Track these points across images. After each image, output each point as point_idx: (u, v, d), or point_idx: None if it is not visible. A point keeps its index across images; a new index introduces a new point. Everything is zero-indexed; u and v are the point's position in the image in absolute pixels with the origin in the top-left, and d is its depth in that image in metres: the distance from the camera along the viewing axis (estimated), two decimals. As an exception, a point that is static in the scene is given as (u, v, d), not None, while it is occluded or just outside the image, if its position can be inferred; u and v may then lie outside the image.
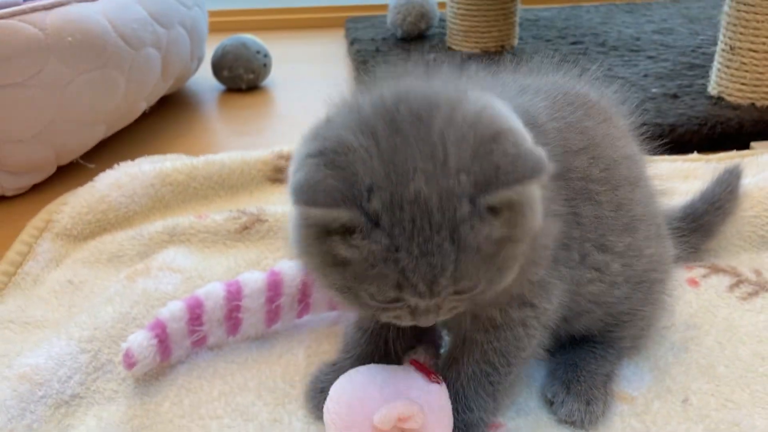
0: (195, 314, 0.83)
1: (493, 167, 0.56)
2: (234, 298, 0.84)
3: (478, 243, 0.57)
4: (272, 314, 0.86)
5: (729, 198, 1.02)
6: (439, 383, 0.71)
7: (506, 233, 0.58)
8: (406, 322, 0.63)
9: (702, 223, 1.01)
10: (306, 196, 0.56)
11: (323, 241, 0.59)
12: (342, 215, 0.56)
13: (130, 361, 0.79)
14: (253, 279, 0.86)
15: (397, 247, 0.56)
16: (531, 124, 0.66)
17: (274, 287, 0.86)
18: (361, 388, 0.69)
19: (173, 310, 0.82)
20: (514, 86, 0.77)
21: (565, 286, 0.73)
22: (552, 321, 0.74)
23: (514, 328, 0.71)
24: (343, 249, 0.58)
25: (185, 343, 0.83)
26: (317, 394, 0.77)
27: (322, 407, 0.71)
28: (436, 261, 0.56)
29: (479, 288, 0.60)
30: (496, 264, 0.59)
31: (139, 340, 0.80)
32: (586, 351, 0.82)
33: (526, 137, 0.60)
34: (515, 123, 0.61)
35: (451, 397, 0.71)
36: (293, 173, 0.59)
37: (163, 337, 0.81)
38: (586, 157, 0.73)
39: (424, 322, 0.63)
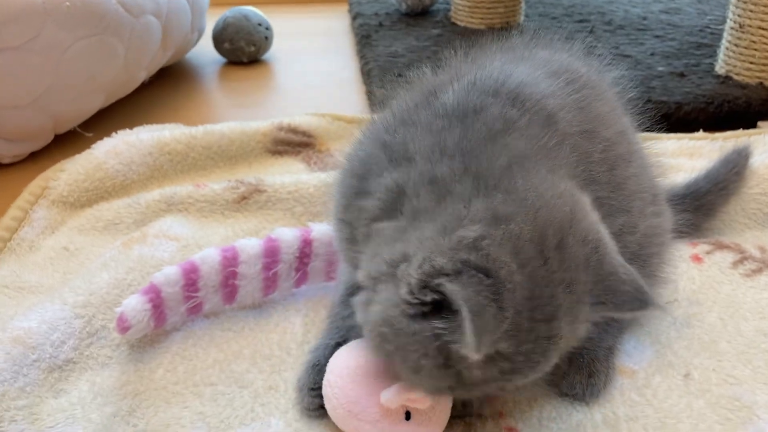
0: (190, 279, 0.82)
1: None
2: (230, 264, 0.83)
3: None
4: (269, 282, 0.85)
5: (734, 179, 1.01)
6: None
7: None
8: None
9: (704, 203, 1.00)
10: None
11: None
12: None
13: (123, 326, 0.78)
14: (250, 245, 0.85)
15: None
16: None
17: (271, 254, 0.84)
18: (365, 362, 0.68)
19: (168, 274, 0.81)
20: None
21: None
22: None
23: None
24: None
25: (180, 310, 0.82)
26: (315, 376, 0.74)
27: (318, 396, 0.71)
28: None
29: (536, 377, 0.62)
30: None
31: (133, 304, 0.79)
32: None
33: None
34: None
35: None
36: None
37: (157, 302, 0.80)
38: (586, 138, 0.71)
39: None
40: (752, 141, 1.22)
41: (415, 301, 0.57)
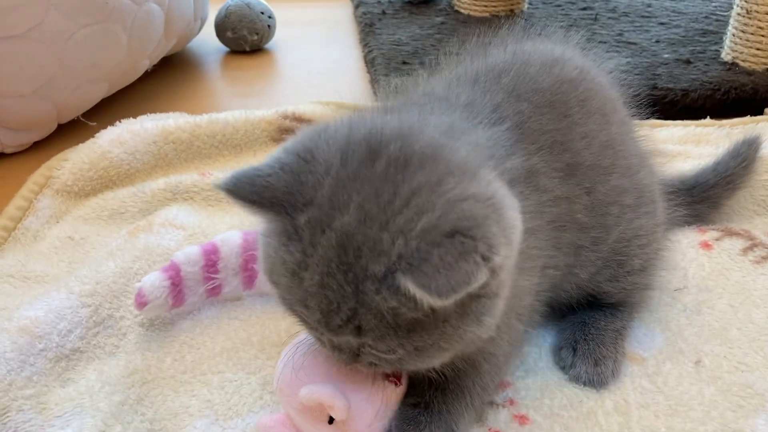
0: (210, 260, 0.82)
1: (430, 266, 0.50)
2: (250, 247, 0.83)
3: (381, 310, 0.52)
4: None
5: (741, 173, 1.00)
6: (396, 384, 0.66)
7: (425, 318, 0.53)
8: (326, 351, 0.61)
9: (710, 195, 0.99)
10: (238, 186, 0.55)
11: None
12: (262, 215, 0.56)
13: (141, 300, 0.78)
14: None
15: (306, 266, 0.54)
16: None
17: None
18: (315, 355, 0.66)
19: (189, 253, 0.82)
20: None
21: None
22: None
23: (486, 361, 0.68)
24: (271, 248, 0.56)
25: (199, 290, 0.82)
26: None
27: None
28: (332, 297, 0.53)
29: (399, 355, 0.56)
30: (417, 340, 0.55)
31: (152, 280, 0.79)
32: (595, 309, 0.81)
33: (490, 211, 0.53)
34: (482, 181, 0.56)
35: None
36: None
37: (176, 281, 0.80)
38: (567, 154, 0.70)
39: (339, 359, 0.60)
40: (759, 128, 1.21)
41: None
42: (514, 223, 0.55)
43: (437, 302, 0.49)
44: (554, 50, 0.78)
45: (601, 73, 0.80)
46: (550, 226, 0.69)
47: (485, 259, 0.50)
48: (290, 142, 0.59)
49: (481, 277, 0.50)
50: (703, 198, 0.98)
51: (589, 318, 0.80)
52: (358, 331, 0.54)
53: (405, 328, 0.53)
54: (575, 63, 0.77)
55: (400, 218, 0.52)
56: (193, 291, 0.82)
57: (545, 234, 0.68)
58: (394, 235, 0.51)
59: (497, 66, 0.74)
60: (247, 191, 0.55)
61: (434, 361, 0.58)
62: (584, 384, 0.75)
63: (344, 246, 0.52)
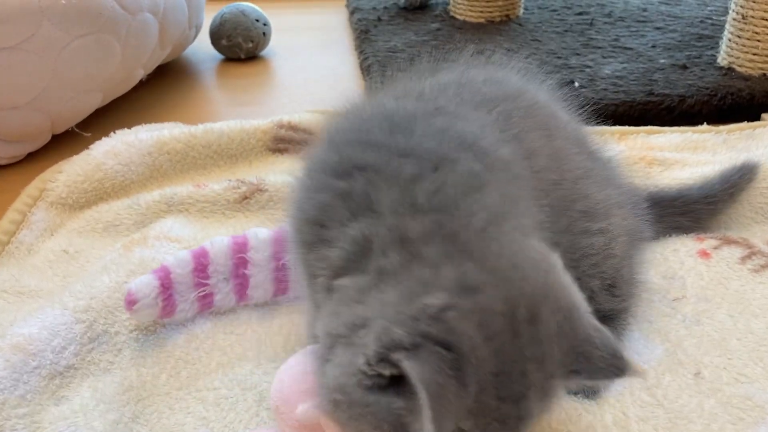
0: (200, 264, 0.82)
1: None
2: (240, 249, 0.83)
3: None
4: (279, 272, 0.84)
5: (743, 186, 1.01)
6: None
7: None
8: None
9: (715, 201, 0.99)
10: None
11: None
12: None
13: (130, 299, 0.78)
14: (260, 231, 0.86)
15: None
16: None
17: (281, 243, 0.84)
18: (300, 372, 0.65)
19: (179, 257, 0.82)
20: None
21: None
22: None
23: None
24: None
25: (190, 297, 0.81)
26: None
27: None
28: None
29: None
30: None
31: (141, 279, 0.79)
32: None
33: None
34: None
35: None
36: None
37: (166, 283, 0.80)
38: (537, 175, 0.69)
39: None
40: (757, 134, 1.21)
41: (372, 372, 0.51)
42: None
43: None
44: (496, 70, 0.80)
45: (542, 90, 0.80)
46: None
47: None
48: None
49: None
50: (710, 209, 0.99)
51: None
52: None
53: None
54: (514, 80, 0.78)
55: (537, 349, 0.54)
56: (184, 297, 0.81)
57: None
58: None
59: (443, 82, 0.74)
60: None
61: None
62: (576, 394, 0.74)
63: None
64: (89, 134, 1.28)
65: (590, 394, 0.74)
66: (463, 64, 0.81)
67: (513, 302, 0.53)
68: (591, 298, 0.74)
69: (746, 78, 1.42)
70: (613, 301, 0.78)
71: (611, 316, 0.79)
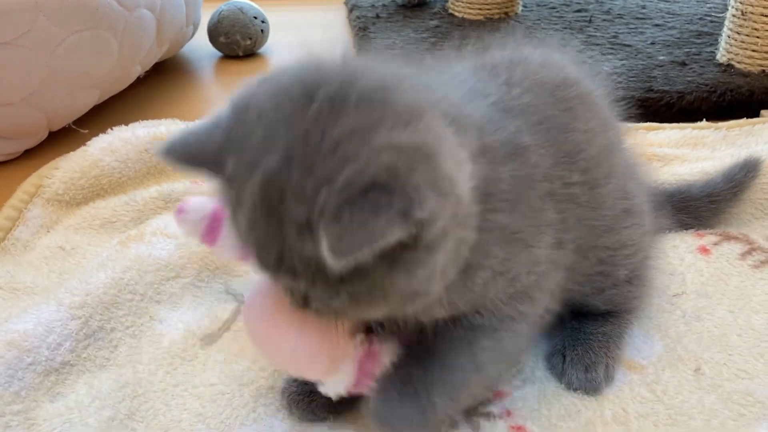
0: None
1: (342, 226, 0.48)
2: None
3: (305, 255, 0.51)
4: None
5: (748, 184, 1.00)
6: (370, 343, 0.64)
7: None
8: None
9: (719, 199, 0.99)
10: (171, 149, 0.55)
11: None
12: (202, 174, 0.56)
13: (181, 207, 0.74)
14: None
15: (240, 206, 0.53)
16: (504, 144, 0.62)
17: None
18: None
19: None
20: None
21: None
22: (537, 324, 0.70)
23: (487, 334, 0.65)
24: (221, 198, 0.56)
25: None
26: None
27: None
28: (261, 238, 0.53)
29: (338, 302, 0.54)
30: (349, 288, 0.53)
31: (200, 198, 0.75)
32: (585, 316, 0.79)
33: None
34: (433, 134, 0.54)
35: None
36: None
37: (218, 215, 0.74)
38: (562, 164, 0.68)
39: (291, 303, 0.58)
40: (756, 130, 1.20)
41: None
42: (449, 174, 0.52)
43: (335, 264, 0.48)
44: (553, 54, 0.76)
45: (595, 79, 0.79)
46: (546, 199, 0.66)
47: (405, 214, 0.48)
48: (233, 96, 0.57)
49: (395, 234, 0.48)
50: (714, 206, 0.98)
51: (577, 324, 0.79)
52: (293, 273, 0.53)
53: (335, 275, 0.51)
54: (574, 66, 0.76)
55: (325, 165, 0.50)
56: (229, 236, 0.77)
57: (539, 205, 0.65)
58: (318, 183, 0.50)
59: (493, 62, 0.72)
60: (178, 153, 0.55)
61: (373, 311, 0.56)
62: (576, 390, 0.74)
63: (269, 188, 0.51)
64: (86, 131, 1.27)
65: (585, 390, 0.74)
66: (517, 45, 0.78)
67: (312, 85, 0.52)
68: (614, 286, 0.75)
69: (745, 75, 1.41)
70: (627, 294, 0.78)
71: (618, 312, 0.79)
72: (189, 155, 0.55)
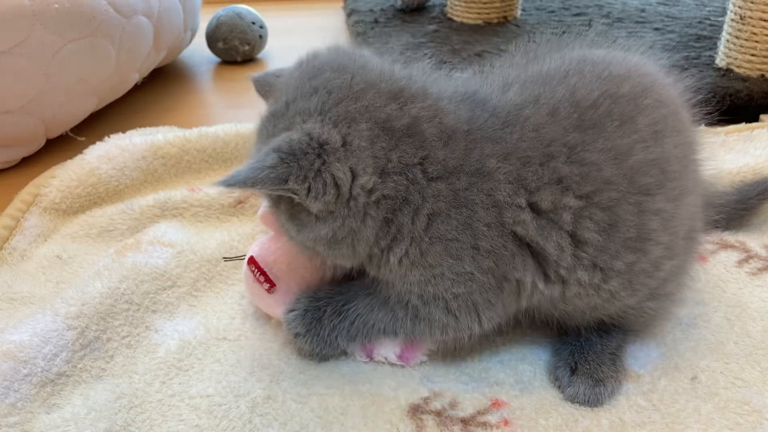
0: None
1: (250, 164, 0.65)
2: None
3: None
4: None
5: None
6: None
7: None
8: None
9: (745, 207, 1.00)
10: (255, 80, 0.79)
11: None
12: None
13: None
14: None
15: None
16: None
17: None
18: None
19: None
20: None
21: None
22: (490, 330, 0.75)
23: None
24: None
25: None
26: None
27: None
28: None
29: (287, 230, 0.72)
30: (278, 214, 0.71)
31: None
32: (591, 330, 0.79)
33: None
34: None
35: None
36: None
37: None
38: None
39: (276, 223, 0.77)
40: (755, 135, 1.20)
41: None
42: (337, 174, 0.65)
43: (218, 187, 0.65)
44: (627, 59, 0.78)
45: (673, 88, 0.79)
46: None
47: (278, 179, 0.63)
48: (302, 56, 0.75)
49: (266, 185, 0.63)
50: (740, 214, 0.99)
51: (587, 337, 0.78)
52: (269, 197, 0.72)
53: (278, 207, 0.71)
54: (648, 71, 0.79)
55: (284, 119, 0.68)
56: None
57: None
58: (277, 127, 0.69)
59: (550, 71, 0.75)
60: (261, 83, 0.79)
61: (294, 238, 0.72)
62: (580, 403, 0.74)
63: (261, 126, 0.71)
64: (84, 138, 1.27)
65: (589, 403, 0.74)
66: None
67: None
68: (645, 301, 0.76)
69: (744, 79, 1.41)
70: (653, 309, 0.77)
71: (637, 321, 0.79)
72: (266, 85, 0.77)
